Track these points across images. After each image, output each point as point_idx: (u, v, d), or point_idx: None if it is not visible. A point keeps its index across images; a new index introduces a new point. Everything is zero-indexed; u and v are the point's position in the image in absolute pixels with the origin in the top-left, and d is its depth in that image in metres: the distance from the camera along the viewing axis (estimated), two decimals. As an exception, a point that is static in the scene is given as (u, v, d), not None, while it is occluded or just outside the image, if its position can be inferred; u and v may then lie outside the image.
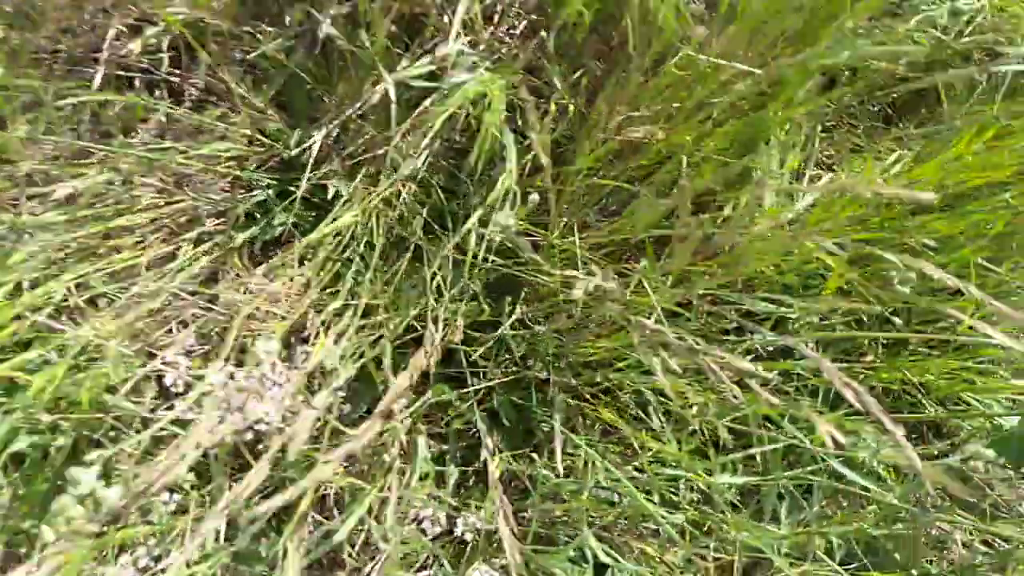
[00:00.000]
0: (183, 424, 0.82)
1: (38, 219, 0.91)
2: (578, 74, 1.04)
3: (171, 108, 1.05)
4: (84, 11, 1.04)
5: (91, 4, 1.05)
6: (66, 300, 0.89)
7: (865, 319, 1.04)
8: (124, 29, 1.07)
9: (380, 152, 1.08)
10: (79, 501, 0.76)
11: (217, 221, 1.02)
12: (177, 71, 1.09)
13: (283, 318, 0.98)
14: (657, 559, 0.98)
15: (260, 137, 1.08)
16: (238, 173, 1.04)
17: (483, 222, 0.91)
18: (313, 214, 1.07)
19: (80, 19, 1.03)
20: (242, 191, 1.06)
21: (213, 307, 0.95)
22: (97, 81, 1.01)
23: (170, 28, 1.07)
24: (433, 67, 0.96)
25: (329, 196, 1.05)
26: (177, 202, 1.01)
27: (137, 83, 1.08)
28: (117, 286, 0.91)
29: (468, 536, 0.95)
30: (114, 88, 1.05)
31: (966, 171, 0.91)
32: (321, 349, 0.90)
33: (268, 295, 0.98)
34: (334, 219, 0.99)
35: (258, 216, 1.05)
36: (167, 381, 0.86)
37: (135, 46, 1.03)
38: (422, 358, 0.95)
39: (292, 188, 1.06)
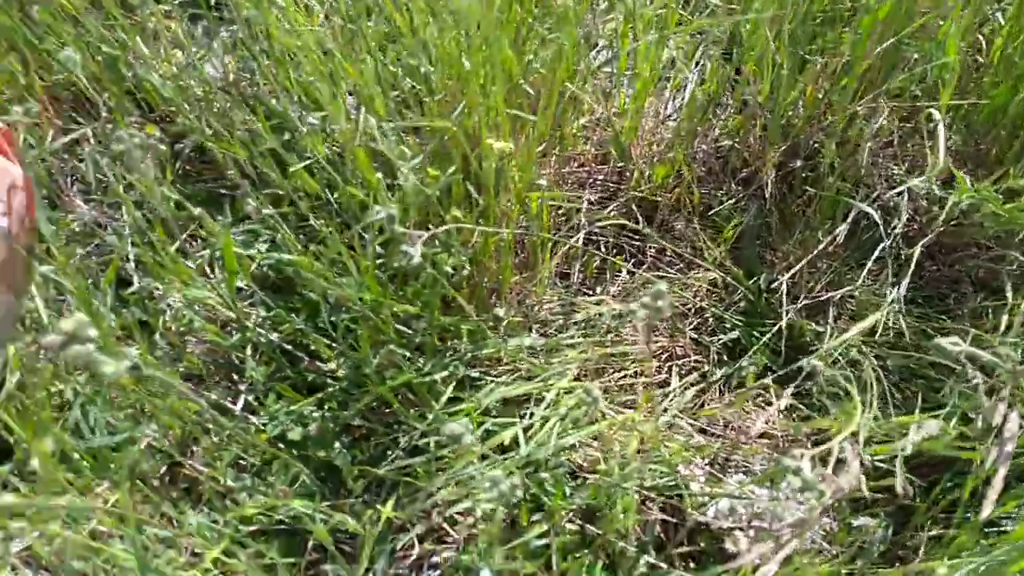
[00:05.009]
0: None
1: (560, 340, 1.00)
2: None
3: (632, 270, 1.15)
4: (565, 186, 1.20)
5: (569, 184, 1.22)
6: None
7: None
8: (593, 200, 1.21)
9: (844, 291, 1.08)
10: None
11: (695, 358, 1.05)
12: (636, 236, 1.20)
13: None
14: None
15: (718, 287, 1.12)
16: (714, 309, 1.09)
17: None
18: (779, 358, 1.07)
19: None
20: (708, 335, 1.09)
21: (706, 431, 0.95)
22: (580, 240, 1.14)
23: (629, 202, 1.21)
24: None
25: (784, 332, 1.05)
26: (657, 341, 1.06)
27: (603, 247, 1.20)
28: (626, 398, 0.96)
29: None
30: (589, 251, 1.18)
31: None
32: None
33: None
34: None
35: (725, 358, 1.07)
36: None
37: (604, 216, 1.16)
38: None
39: (756, 333, 1.07)
